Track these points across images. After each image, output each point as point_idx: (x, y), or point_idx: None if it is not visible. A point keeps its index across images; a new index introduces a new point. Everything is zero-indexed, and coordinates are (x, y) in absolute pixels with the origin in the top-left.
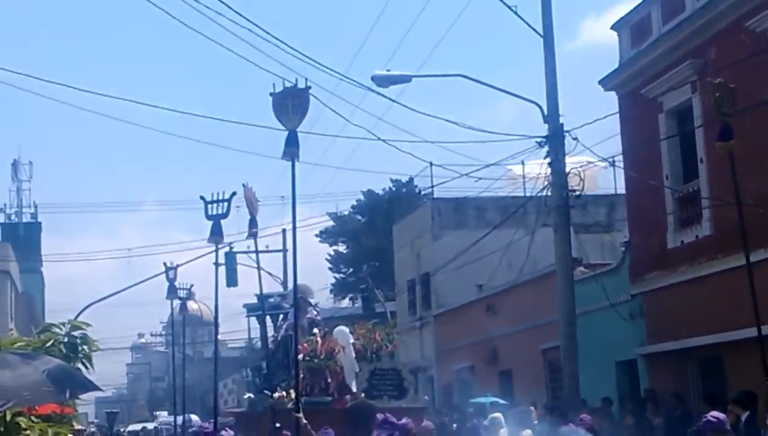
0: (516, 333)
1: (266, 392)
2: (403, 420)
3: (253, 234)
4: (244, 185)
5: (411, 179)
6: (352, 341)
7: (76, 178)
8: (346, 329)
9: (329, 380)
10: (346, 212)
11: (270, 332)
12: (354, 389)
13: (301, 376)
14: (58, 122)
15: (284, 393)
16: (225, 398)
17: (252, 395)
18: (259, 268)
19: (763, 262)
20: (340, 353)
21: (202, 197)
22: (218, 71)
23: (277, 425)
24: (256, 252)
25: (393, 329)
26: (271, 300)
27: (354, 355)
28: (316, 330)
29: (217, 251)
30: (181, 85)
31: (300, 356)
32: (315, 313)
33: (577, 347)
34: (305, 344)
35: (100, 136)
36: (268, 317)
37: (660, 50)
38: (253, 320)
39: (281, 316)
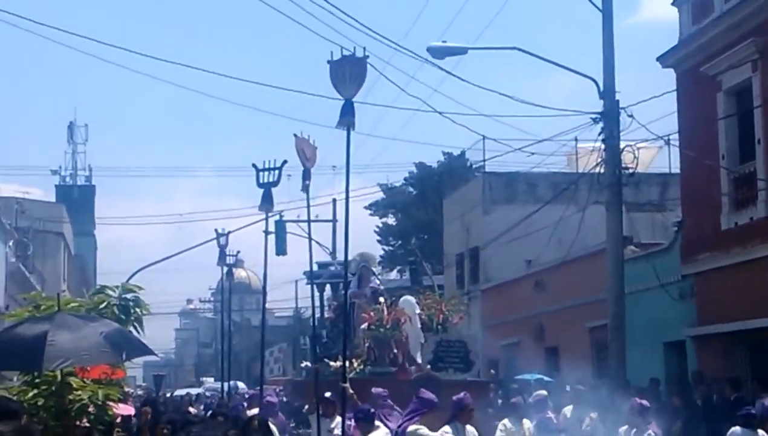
0: (563, 310)
1: (326, 360)
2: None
3: (306, 187)
4: (295, 135)
5: (463, 153)
6: (418, 311)
7: (132, 143)
8: (413, 299)
9: (395, 350)
10: (397, 184)
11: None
12: (419, 361)
13: (366, 345)
14: (115, 86)
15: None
16: (271, 366)
17: (309, 364)
18: (310, 237)
19: None
20: (406, 323)
21: (254, 165)
22: (274, 39)
23: (327, 394)
24: (308, 221)
25: (460, 301)
26: (332, 268)
27: (420, 325)
28: (381, 299)
29: (267, 219)
30: (237, 52)
31: (365, 325)
32: (378, 282)
33: (624, 327)
34: (371, 313)
35: (157, 101)
36: (328, 286)
37: (721, 28)
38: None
39: (341, 284)
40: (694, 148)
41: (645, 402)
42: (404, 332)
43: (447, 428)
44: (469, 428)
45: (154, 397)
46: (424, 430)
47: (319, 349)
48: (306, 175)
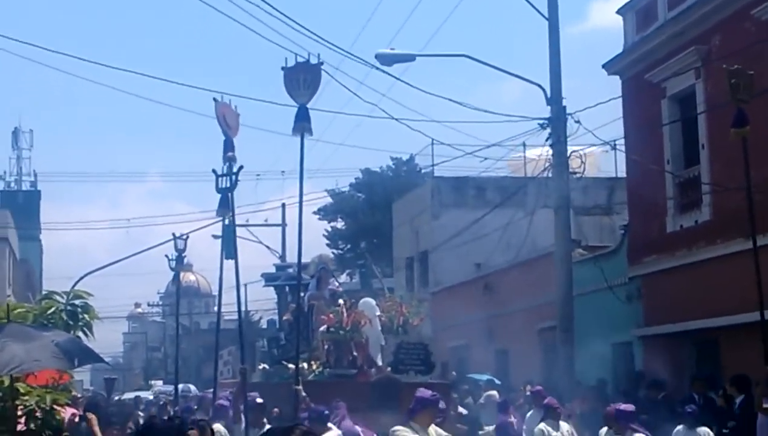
0: (513, 313)
1: (284, 363)
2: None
3: (229, 158)
4: (215, 100)
5: (412, 157)
6: (378, 313)
7: (78, 149)
8: (373, 301)
9: (355, 352)
10: (344, 189)
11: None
12: (379, 363)
13: (326, 347)
14: (62, 91)
15: (304, 365)
16: (220, 369)
17: (267, 366)
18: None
19: (762, 248)
20: (366, 326)
21: (213, 171)
22: (223, 45)
23: (259, 400)
24: (229, 197)
25: (420, 303)
26: (290, 271)
27: (380, 328)
28: (341, 301)
29: (224, 223)
30: (185, 58)
31: (324, 327)
32: (337, 284)
33: (573, 328)
34: (331, 315)
35: (105, 106)
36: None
37: (665, 36)
38: (262, 290)
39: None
40: (639, 153)
41: (624, 407)
42: (364, 334)
43: (400, 428)
44: (434, 429)
45: (96, 401)
46: (401, 431)
47: (277, 351)
48: (228, 146)
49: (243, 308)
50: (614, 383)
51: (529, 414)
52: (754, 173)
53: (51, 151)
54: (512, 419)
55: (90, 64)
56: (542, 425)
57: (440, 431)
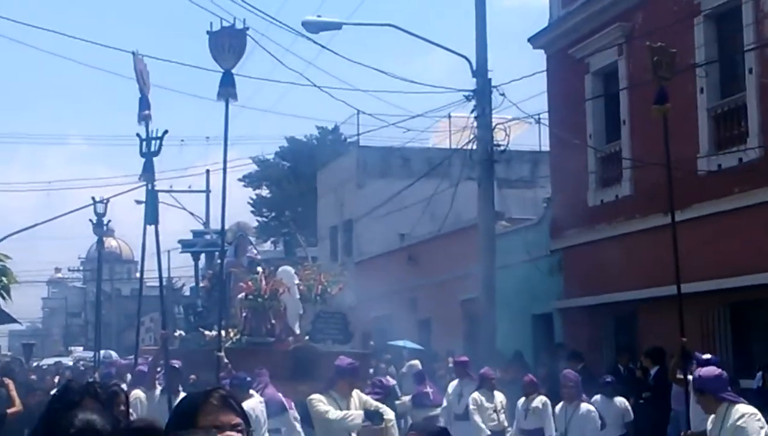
0: (436, 284)
1: (201, 330)
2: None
3: (145, 117)
4: (134, 54)
5: (336, 127)
6: (296, 281)
7: None
8: (291, 269)
9: (273, 320)
10: (270, 157)
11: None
12: (297, 332)
13: (244, 315)
14: None
15: (222, 332)
16: (142, 336)
17: (184, 333)
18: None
19: (677, 223)
20: (284, 294)
21: (137, 135)
22: (147, 7)
23: (175, 364)
24: (148, 161)
25: (340, 272)
26: (207, 237)
27: (298, 296)
28: (259, 269)
29: (148, 188)
30: (112, 19)
31: (242, 295)
32: (255, 252)
33: (495, 300)
34: (249, 283)
35: (25, 67)
36: (203, 255)
37: (589, 12)
38: (185, 256)
39: (216, 253)
40: (562, 127)
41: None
42: (282, 302)
43: (319, 396)
44: (357, 396)
45: (11, 366)
46: (318, 402)
47: (194, 318)
48: (144, 104)
49: (165, 275)
50: (534, 354)
51: (453, 384)
52: (674, 150)
53: None
54: (428, 389)
55: (8, 21)
56: (476, 394)
57: (364, 396)
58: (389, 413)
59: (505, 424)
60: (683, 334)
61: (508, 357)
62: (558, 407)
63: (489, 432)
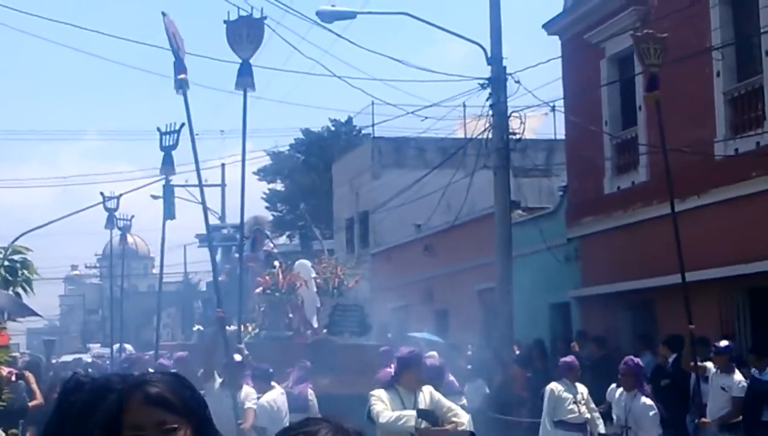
0: (452, 274)
1: None
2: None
3: (181, 82)
4: (163, 14)
5: (350, 118)
6: (313, 275)
7: (15, 106)
8: (308, 263)
9: (290, 314)
10: (284, 149)
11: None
12: (315, 325)
13: (261, 309)
14: None
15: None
16: (160, 332)
17: (201, 328)
18: (198, 168)
19: (694, 209)
20: (301, 288)
21: (158, 129)
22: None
23: (238, 357)
24: (192, 141)
25: (357, 264)
26: (225, 231)
27: (315, 289)
28: (276, 263)
29: (167, 182)
30: (128, 13)
31: (260, 289)
32: (272, 245)
33: (512, 289)
34: (266, 277)
35: (41, 62)
36: (220, 249)
37: None
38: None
39: (234, 248)
40: (578, 114)
41: (635, 361)
42: (300, 296)
43: (379, 393)
44: (429, 393)
45: (36, 361)
46: (376, 401)
47: (212, 313)
48: (180, 67)
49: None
50: (551, 344)
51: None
52: (690, 134)
53: None
54: (451, 377)
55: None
56: (553, 385)
57: (437, 394)
58: (461, 417)
59: (587, 416)
60: (691, 321)
61: (528, 345)
62: (617, 393)
63: (550, 427)
